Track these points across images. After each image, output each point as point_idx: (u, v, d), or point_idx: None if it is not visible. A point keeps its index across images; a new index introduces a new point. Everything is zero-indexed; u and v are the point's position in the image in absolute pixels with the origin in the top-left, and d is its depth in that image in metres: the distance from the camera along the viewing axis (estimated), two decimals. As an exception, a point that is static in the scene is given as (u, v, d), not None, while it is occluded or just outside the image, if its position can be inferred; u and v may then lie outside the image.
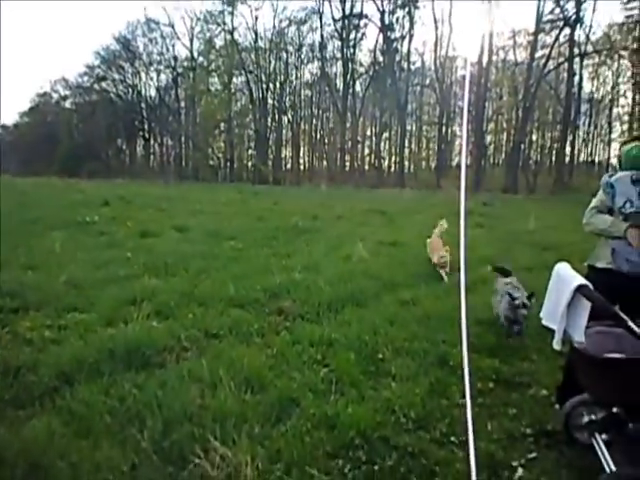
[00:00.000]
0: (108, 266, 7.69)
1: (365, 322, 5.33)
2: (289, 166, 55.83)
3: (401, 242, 10.75)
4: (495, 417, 3.77)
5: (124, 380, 3.85)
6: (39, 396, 3.64)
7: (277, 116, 53.36)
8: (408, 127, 51.19)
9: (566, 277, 2.99)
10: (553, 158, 45.53)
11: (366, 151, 54.09)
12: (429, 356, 4.63)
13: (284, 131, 55.05)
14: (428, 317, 5.67)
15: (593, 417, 3.41)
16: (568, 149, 41.26)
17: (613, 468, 2.86)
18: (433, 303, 6.23)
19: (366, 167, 52.47)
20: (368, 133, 54.24)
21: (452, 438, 3.45)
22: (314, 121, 54.76)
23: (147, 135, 59.23)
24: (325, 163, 53.47)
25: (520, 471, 3.19)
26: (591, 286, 2.83)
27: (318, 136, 55.21)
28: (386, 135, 53.15)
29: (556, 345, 3.01)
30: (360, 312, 5.74)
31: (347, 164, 51.08)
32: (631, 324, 2.77)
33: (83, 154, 52.26)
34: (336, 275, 7.20)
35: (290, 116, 53.57)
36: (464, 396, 3.99)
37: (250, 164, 55.46)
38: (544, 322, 3.23)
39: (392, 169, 52.59)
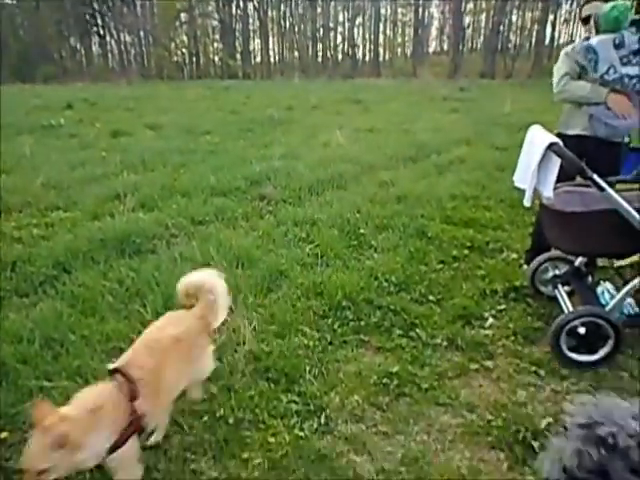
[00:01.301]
0: (84, 166, 7.58)
1: (346, 202, 5.51)
2: (259, 59, 52.85)
3: (378, 129, 10.71)
4: (469, 278, 4.11)
5: (119, 265, 4.03)
6: (40, 284, 3.81)
7: (242, 3, 49.44)
8: (382, 10, 48.31)
9: (538, 137, 3.12)
10: (533, 40, 43.95)
11: (339, 39, 51.32)
12: (408, 229, 4.89)
13: (251, 20, 51.34)
14: (406, 196, 5.87)
15: (557, 272, 3.76)
16: (548, 30, 39.81)
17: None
18: (411, 183, 6.41)
19: (339, 56, 50.15)
20: (340, 19, 51.10)
21: (430, 297, 3.79)
22: (282, 7, 51.03)
23: (102, 31, 54.64)
24: (297, 54, 50.77)
25: (490, 320, 3.56)
26: (561, 144, 2.97)
27: (287, 24, 51.82)
28: (359, 20, 50.20)
29: (526, 202, 3.22)
30: (341, 194, 5.92)
31: (319, 54, 48.67)
32: (596, 177, 2.96)
33: (34, 57, 48.30)
34: (315, 161, 7.26)
35: (256, 3, 49.70)
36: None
37: (217, 58, 52.28)
38: (516, 183, 3.42)
39: (367, 58, 50.37)
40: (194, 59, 52.23)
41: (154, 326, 2.35)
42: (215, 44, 52.61)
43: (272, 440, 2.49)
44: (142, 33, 52.66)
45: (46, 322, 3.23)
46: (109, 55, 56.63)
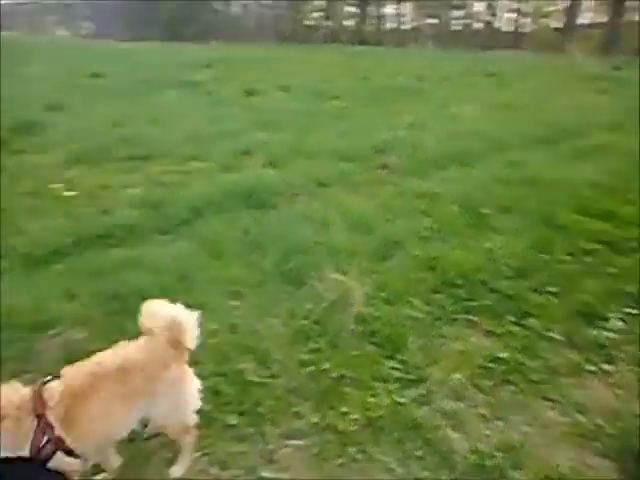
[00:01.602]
0: (219, 122, 8.11)
1: (471, 180, 5.33)
2: (393, 25, 51.49)
3: (513, 105, 10.04)
4: (596, 275, 3.79)
5: (245, 216, 4.33)
6: (177, 225, 4.24)
7: (379, -34, 48.05)
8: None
9: None
10: None
11: (477, 6, 48.02)
12: (535, 215, 4.62)
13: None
14: (536, 180, 5.51)
15: None
16: None
17: None
18: (543, 166, 5.99)
19: (478, 25, 47.10)
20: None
21: (550, 288, 3.58)
22: (420, -28, 48.73)
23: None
24: (431, 21, 48.59)
25: (616, 322, 3.27)
26: None
27: (424, -11, 49.48)
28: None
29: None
30: (466, 170, 5.72)
31: (456, 22, 46.11)
32: None
33: (182, 16, 51.77)
34: (442, 134, 7.07)
35: (393, -34, 48.02)
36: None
37: (350, 23, 51.82)
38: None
39: (507, 28, 46.69)
40: (327, 23, 52.28)
41: (109, 351, 1.98)
42: (348, 8, 52.08)
43: (371, 400, 2.58)
44: (278, -5, 53.48)
45: (181, 259, 3.60)
46: (246, 17, 58.65)
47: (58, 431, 1.69)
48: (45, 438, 1.66)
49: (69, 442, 1.71)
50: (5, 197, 4.80)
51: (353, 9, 49.83)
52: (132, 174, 5.64)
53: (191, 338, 2.04)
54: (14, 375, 2.27)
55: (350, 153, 6.21)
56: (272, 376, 2.68)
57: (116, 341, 1.97)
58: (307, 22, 52.09)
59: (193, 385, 2.10)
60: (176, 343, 2.00)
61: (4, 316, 2.88)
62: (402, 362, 2.84)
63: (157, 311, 2.06)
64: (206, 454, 2.29)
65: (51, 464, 1.69)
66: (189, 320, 2.05)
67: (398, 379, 2.72)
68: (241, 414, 2.47)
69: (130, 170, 5.78)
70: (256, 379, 2.65)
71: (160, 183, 5.31)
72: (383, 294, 3.38)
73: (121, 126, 7.81)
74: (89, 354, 2.71)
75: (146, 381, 1.90)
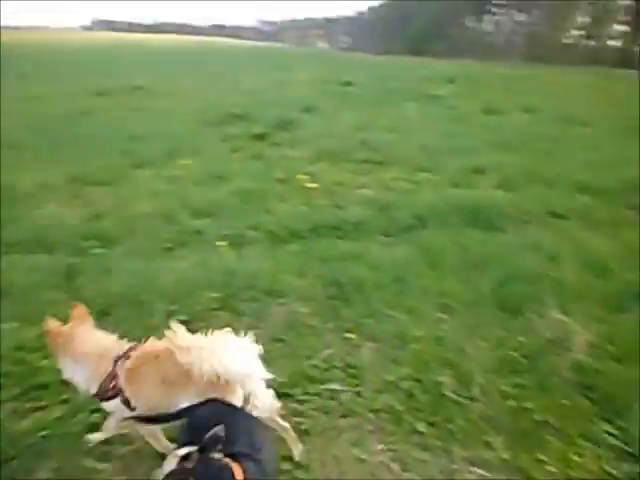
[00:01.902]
0: (455, 137, 8.12)
1: None
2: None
3: None
4: None
5: (468, 233, 4.28)
6: (400, 229, 4.42)
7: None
8: None
9: None
10: None
11: None
12: None
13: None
14: None
15: None
16: None
17: None
18: None
19: None
20: None
21: None
22: None
23: (495, 9, 55.08)
24: None
25: None
26: None
27: None
28: None
29: None
30: None
31: None
32: None
33: (432, 32, 52.96)
34: None
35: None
36: None
37: (617, 44, 46.07)
38: None
39: None
40: (587, 42, 47.46)
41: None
42: (617, 26, 46.29)
43: (575, 459, 2.33)
44: (536, 11, 50.49)
45: (399, 262, 3.76)
46: (497, 34, 56.90)
47: (121, 383, 2.00)
48: (112, 383, 2.01)
49: (127, 394, 2.01)
50: (261, 181, 5.66)
51: (623, 27, 44.24)
52: (366, 176, 6.06)
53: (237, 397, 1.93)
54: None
55: (594, 186, 5.59)
56: (470, 398, 2.62)
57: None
58: (564, 40, 48.09)
59: None
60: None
61: (249, 278, 3.42)
62: (621, 429, 2.49)
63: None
64: (390, 450, 2.37)
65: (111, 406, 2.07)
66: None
67: (612, 447, 2.39)
68: (431, 425, 2.48)
69: (365, 172, 6.22)
70: (453, 396, 2.63)
71: (390, 188, 5.59)
72: (610, 347, 2.99)
73: (362, 131, 8.43)
74: (308, 327, 3.07)
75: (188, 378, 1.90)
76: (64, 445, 2.29)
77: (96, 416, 2.39)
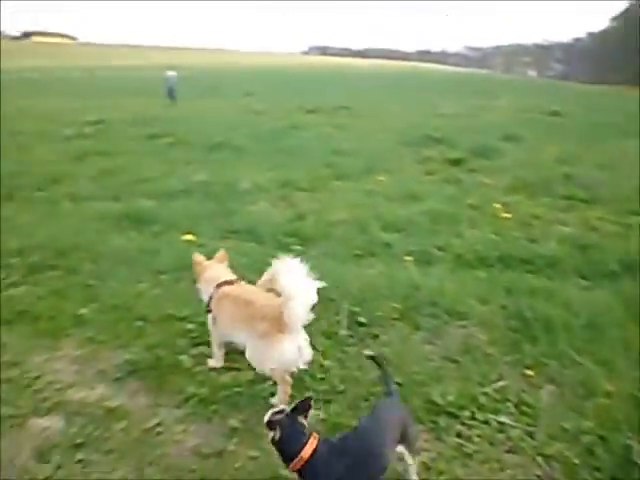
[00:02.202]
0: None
1: None
2: None
3: None
4: None
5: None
6: (602, 274, 4.03)
7: None
8: None
9: None
10: None
11: None
12: None
13: None
14: None
15: None
16: None
17: None
18: None
19: None
20: None
21: None
22: None
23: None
24: None
25: None
26: None
27: None
28: None
29: None
30: None
31: None
32: None
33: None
34: None
35: None
36: None
37: None
38: None
39: None
40: None
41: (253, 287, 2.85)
42: None
43: None
44: None
45: (595, 308, 3.44)
46: None
47: (212, 304, 2.84)
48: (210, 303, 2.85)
49: (214, 313, 2.83)
50: (454, 204, 5.68)
51: None
52: (566, 213, 5.65)
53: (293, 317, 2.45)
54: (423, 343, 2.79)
55: None
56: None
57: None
58: None
59: (282, 350, 2.52)
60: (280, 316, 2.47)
61: (432, 295, 3.50)
62: None
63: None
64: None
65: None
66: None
67: None
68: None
69: (565, 208, 5.80)
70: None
71: (593, 228, 5.13)
72: None
73: (567, 165, 7.85)
74: (484, 355, 3.02)
75: (253, 318, 2.58)
76: (252, 403, 2.66)
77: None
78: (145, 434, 2.51)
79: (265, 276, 2.75)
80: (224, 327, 2.82)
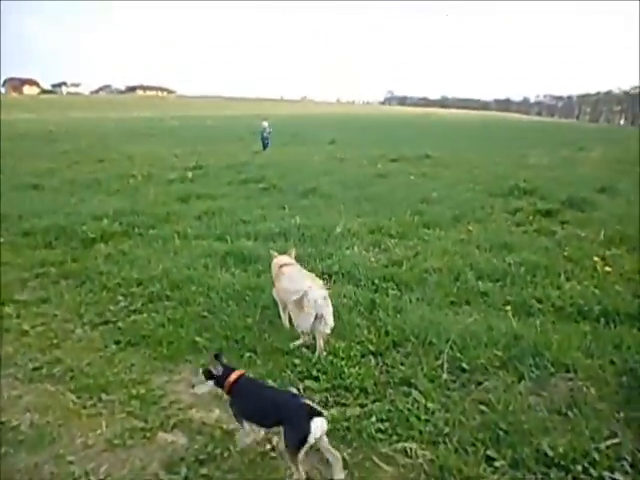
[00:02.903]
0: None
1: None
2: None
3: None
4: None
5: None
6: None
7: None
8: None
9: None
10: None
11: None
12: None
13: None
14: None
15: None
16: None
17: None
18: None
19: None
20: None
21: None
22: None
23: None
24: None
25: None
26: None
27: None
28: None
29: None
30: None
31: None
32: None
33: None
34: None
35: None
36: None
37: None
38: None
39: None
40: None
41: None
42: None
43: None
44: None
45: None
46: None
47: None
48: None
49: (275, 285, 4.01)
50: (548, 256, 5.59)
51: None
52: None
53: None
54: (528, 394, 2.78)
55: None
56: None
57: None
58: None
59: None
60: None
61: (534, 346, 3.48)
62: None
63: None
64: None
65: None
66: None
67: None
68: None
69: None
70: None
71: None
72: None
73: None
74: (594, 410, 2.95)
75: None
76: (359, 437, 2.78)
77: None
78: (261, 457, 2.70)
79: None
80: (280, 293, 3.92)
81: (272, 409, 2.53)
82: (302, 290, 3.55)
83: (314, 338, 3.66)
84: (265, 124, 20.37)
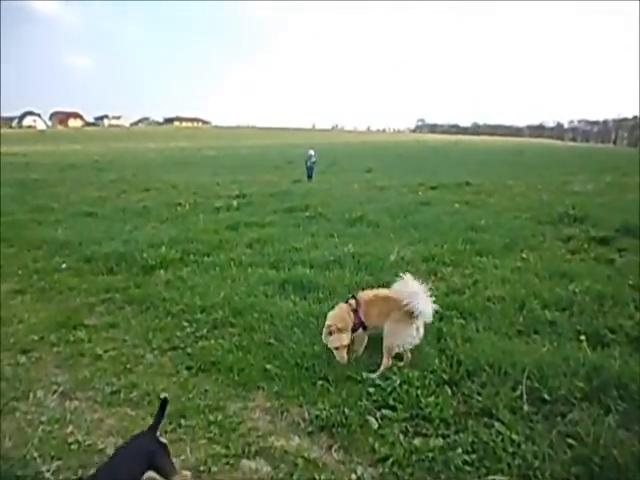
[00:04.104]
0: None
1: None
2: None
3: None
4: None
5: None
6: None
7: None
8: None
9: None
10: None
11: None
12: None
13: None
14: None
15: None
16: None
17: None
18: None
19: None
20: None
21: None
22: None
23: None
24: None
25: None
26: None
27: None
28: None
29: None
30: None
31: None
32: None
33: None
34: None
35: None
36: None
37: None
38: None
39: None
40: None
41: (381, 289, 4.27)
42: None
43: None
44: None
45: None
46: None
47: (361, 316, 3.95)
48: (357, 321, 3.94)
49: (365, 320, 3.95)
50: (612, 284, 5.44)
51: None
52: None
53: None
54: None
55: None
56: None
57: None
58: None
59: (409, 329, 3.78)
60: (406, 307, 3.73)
61: (616, 376, 3.38)
62: None
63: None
64: None
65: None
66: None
67: None
68: None
69: None
70: None
71: None
72: None
73: None
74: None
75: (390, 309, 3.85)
76: (446, 468, 2.74)
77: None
78: (348, 486, 2.69)
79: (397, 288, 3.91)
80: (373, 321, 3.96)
81: None
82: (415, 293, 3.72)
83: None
84: (311, 152, 19.77)
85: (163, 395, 2.76)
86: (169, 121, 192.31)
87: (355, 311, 3.96)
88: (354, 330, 3.94)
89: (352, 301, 4.04)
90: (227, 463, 2.91)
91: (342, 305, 4.07)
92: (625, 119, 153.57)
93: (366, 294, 4.09)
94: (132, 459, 2.43)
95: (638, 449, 2.80)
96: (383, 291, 4.12)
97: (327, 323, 3.89)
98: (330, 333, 3.83)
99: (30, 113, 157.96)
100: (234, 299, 5.23)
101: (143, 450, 2.48)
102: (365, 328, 4.00)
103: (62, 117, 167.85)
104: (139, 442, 2.55)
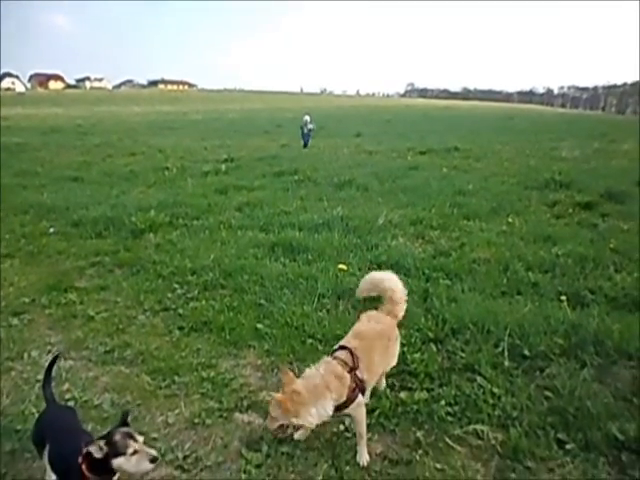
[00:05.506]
0: None
1: None
2: None
3: None
4: None
5: None
6: None
7: None
8: None
9: None
10: None
11: None
12: None
13: None
14: None
15: None
16: None
17: None
18: None
19: None
20: None
21: None
22: None
23: None
24: None
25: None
26: None
27: None
28: None
29: None
30: None
31: None
32: None
33: None
34: None
35: None
36: None
37: None
38: None
39: None
40: None
41: (360, 323, 2.93)
42: None
43: None
44: None
45: None
46: None
47: (361, 374, 2.58)
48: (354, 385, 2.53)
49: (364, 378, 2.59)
50: (594, 248, 5.57)
51: None
52: None
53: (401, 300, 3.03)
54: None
55: None
56: None
57: None
58: None
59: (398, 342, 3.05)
60: (393, 311, 2.98)
61: (594, 334, 3.52)
62: None
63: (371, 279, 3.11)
64: None
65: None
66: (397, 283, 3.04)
67: None
68: None
69: None
70: None
71: None
72: None
73: None
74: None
75: (389, 341, 2.89)
76: (430, 419, 2.89)
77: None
78: (335, 437, 2.82)
79: (362, 285, 3.17)
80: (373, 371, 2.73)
81: None
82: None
83: None
84: (307, 118, 18.88)
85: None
86: (153, 84, 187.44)
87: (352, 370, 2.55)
88: (350, 401, 2.50)
89: (343, 353, 2.63)
90: (220, 416, 3.02)
91: (329, 362, 2.57)
92: (614, 86, 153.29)
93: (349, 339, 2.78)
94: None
95: (610, 400, 2.96)
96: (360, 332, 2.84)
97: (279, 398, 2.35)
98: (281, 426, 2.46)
99: (8, 75, 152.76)
100: (224, 261, 5.28)
101: None
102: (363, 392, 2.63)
103: (42, 79, 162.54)
104: None
